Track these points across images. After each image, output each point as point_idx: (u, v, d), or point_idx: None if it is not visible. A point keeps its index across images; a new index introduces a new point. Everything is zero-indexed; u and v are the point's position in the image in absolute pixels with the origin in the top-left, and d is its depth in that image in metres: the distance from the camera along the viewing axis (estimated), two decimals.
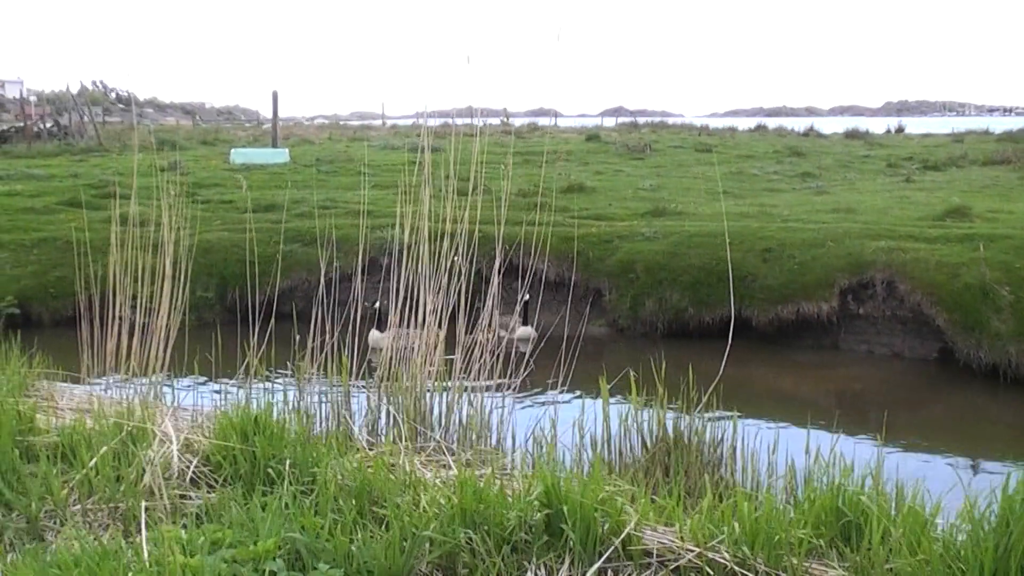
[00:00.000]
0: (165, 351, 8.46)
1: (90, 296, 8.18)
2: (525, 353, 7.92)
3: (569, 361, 7.35)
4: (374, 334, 9.90)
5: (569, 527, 4.30)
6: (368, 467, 5.00)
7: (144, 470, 5.20)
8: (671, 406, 6.67)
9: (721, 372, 6.57)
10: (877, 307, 13.12)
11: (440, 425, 7.29)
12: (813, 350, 13.38)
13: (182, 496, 5.13)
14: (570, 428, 6.77)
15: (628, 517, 4.41)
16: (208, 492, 5.13)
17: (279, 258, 10.05)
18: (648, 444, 6.53)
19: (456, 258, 8.38)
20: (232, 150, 27.77)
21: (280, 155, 26.46)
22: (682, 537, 4.33)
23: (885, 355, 13.09)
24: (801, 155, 31.71)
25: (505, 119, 29.71)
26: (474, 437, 7.04)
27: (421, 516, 4.40)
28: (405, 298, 8.11)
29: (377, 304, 9.49)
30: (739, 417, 6.77)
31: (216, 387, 8.97)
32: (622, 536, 4.32)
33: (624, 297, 14.21)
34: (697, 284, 13.72)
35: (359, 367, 7.70)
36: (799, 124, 51.85)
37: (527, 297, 9.62)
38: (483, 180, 8.29)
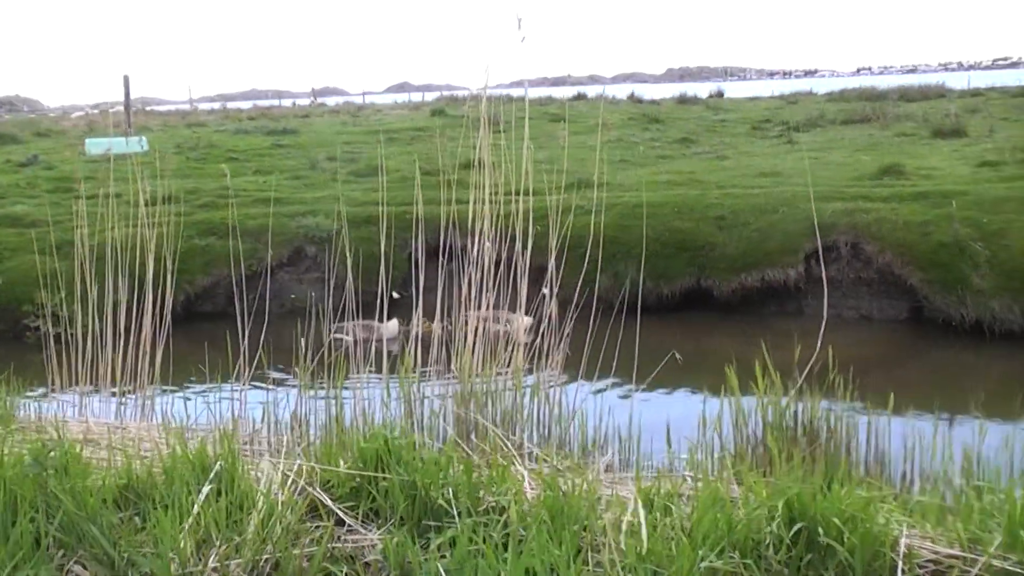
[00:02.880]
0: (152, 360, 7.57)
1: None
2: (526, 343, 7.31)
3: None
4: (391, 325, 8.97)
5: (843, 545, 3.73)
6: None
7: (260, 511, 4.24)
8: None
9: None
10: (842, 270, 12.83)
11: (528, 428, 6.58)
12: (778, 317, 13.00)
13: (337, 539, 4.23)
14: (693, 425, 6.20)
15: (891, 526, 3.88)
16: (366, 534, 4.24)
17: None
18: (797, 437, 5.93)
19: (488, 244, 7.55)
20: (87, 140, 26.00)
21: (137, 143, 24.88)
22: (960, 543, 3.83)
23: (853, 318, 12.82)
24: (660, 121, 31.64)
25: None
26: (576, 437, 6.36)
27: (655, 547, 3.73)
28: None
29: (395, 294, 8.59)
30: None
31: (193, 396, 8.09)
32: (901, 549, 3.75)
33: (574, 273, 13.57)
34: (652, 256, 13.12)
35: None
36: (586, 92, 52.08)
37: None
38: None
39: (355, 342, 7.23)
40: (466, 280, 7.36)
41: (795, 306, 13.11)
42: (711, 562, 3.64)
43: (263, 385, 8.20)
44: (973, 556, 3.72)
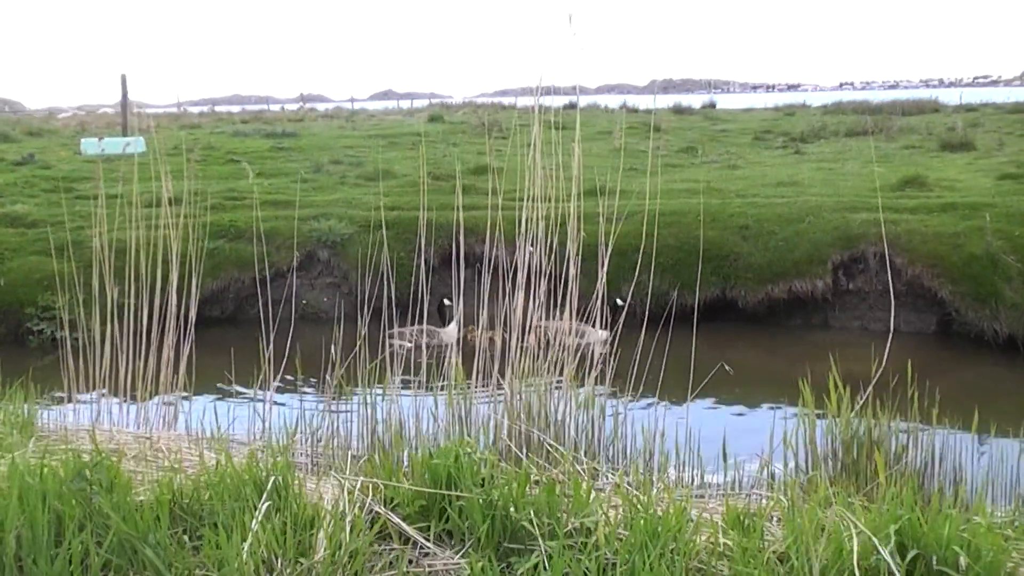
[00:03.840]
0: (176, 366, 7.25)
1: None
2: (600, 355, 7.00)
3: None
4: (451, 329, 8.63)
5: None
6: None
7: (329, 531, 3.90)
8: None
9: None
10: (869, 281, 12.57)
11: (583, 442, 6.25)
12: (804, 329, 12.74)
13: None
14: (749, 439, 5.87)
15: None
16: (446, 557, 3.90)
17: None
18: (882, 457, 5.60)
19: (531, 248, 7.22)
20: (83, 140, 25.59)
21: (136, 144, 24.45)
22: None
23: (880, 330, 12.52)
24: (660, 130, 31.36)
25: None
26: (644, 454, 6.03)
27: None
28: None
29: (447, 300, 8.27)
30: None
31: (213, 404, 7.75)
32: None
33: (594, 283, 13.28)
34: (677, 265, 12.81)
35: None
36: (565, 101, 51.75)
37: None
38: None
39: (415, 347, 6.89)
40: (515, 288, 7.01)
41: (821, 318, 12.88)
42: None
43: (284, 394, 7.86)
44: None
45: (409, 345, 6.99)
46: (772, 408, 9.98)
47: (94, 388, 7.34)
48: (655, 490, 4.59)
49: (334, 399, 6.76)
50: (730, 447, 6.07)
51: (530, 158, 6.93)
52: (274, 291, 13.16)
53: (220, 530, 3.75)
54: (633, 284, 7.45)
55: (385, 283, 7.30)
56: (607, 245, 7.07)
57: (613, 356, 6.95)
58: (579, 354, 6.81)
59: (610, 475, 5.31)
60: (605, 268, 7.04)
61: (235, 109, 61.21)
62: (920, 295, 12.22)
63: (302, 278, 13.51)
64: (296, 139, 27.69)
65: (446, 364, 6.89)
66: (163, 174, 7.42)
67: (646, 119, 37.11)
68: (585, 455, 5.90)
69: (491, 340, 7.12)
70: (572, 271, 7.25)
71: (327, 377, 6.86)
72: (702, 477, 5.97)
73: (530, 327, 6.90)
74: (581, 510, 4.07)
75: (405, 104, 66.36)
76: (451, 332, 7.66)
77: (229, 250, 13.41)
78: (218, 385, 9.12)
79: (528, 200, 7.17)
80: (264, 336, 7.19)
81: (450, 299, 8.96)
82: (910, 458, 5.85)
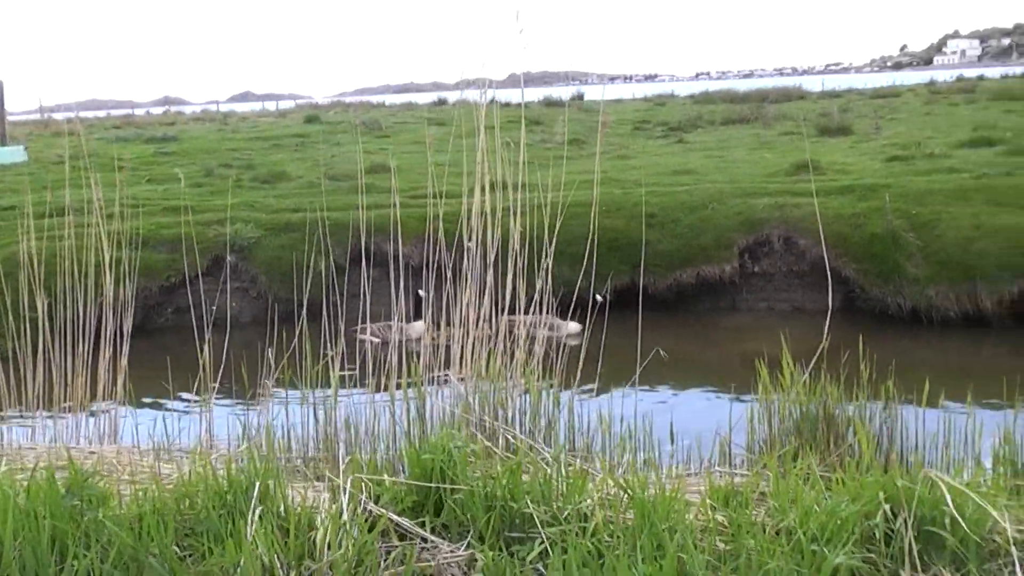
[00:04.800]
0: (114, 378, 7.09)
1: None
2: (572, 347, 7.10)
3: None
4: (417, 325, 8.56)
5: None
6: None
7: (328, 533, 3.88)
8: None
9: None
10: (774, 263, 12.90)
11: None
12: (713, 312, 13.01)
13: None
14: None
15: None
16: (455, 550, 3.93)
17: None
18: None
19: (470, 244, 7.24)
20: None
21: (16, 153, 23.75)
22: None
23: (787, 310, 12.88)
24: (540, 123, 31.56)
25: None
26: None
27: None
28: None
29: (422, 293, 8.19)
30: None
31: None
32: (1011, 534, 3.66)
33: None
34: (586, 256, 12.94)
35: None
36: (427, 98, 52.74)
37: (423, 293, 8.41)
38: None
39: (381, 343, 6.84)
40: (466, 284, 7.03)
41: (729, 301, 13.16)
42: (846, 557, 3.46)
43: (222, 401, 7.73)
44: None
45: (376, 341, 6.94)
46: (702, 392, 10.20)
47: (21, 404, 7.15)
48: (644, 474, 4.65)
49: (280, 403, 6.70)
50: (664, 431, 6.24)
51: (479, 153, 6.91)
52: (182, 298, 12.99)
53: (227, 539, 3.70)
54: (548, 275, 7.44)
55: (302, 285, 7.18)
56: (551, 239, 7.10)
57: (560, 349, 7.02)
58: (543, 347, 6.85)
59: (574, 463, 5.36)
60: (551, 258, 7.08)
61: (100, 114, 59.67)
62: (825, 274, 12.54)
63: (210, 284, 13.30)
64: (178, 143, 27.21)
65: (393, 360, 6.86)
66: (94, 183, 7.22)
67: (527, 112, 37.24)
68: (545, 444, 5.95)
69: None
70: (513, 265, 7.26)
71: (266, 381, 6.79)
72: (659, 460, 6.06)
73: (479, 322, 6.93)
74: (576, 496, 4.12)
75: (270, 105, 65.45)
76: (417, 327, 7.62)
77: (131, 259, 13.10)
78: (143, 398, 8.91)
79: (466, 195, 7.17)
80: (199, 344, 7.05)
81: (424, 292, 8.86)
82: (868, 430, 6.02)
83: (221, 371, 6.98)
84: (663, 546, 3.59)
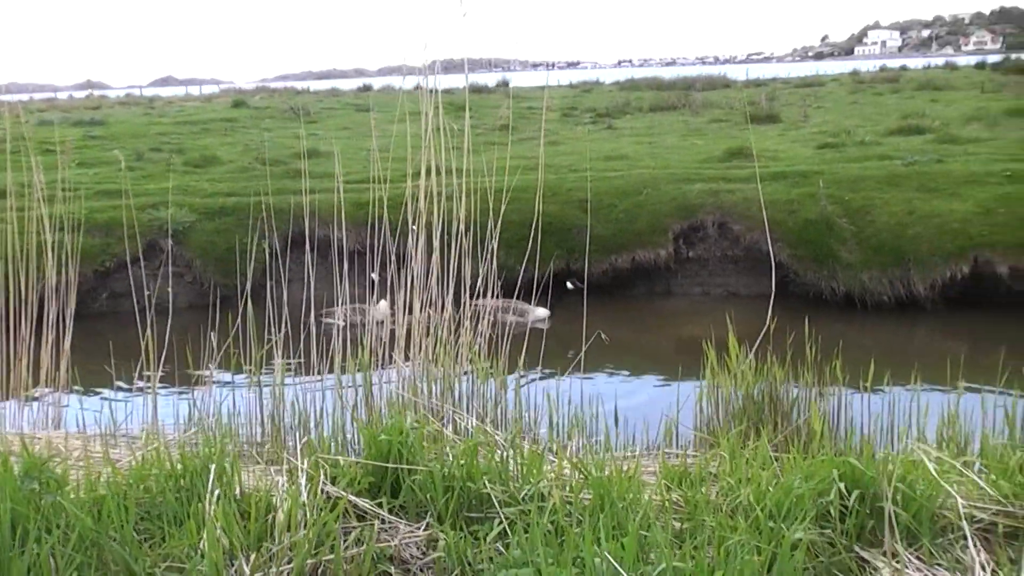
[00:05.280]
0: (57, 364, 6.99)
1: None
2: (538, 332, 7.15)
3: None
4: (382, 306, 8.49)
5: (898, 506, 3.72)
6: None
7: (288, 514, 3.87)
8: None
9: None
10: (709, 249, 13.03)
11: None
12: (648, 297, 13.11)
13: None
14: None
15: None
16: (407, 531, 3.94)
17: None
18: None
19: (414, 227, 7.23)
20: None
21: None
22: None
23: (721, 295, 13.02)
24: (468, 109, 31.46)
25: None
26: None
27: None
28: None
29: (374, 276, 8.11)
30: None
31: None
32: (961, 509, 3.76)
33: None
34: (522, 240, 12.97)
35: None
36: (350, 84, 52.59)
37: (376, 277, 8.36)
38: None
39: (346, 325, 6.79)
40: (410, 270, 7.02)
41: (664, 286, 13.26)
42: (804, 532, 3.52)
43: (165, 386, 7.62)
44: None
45: (342, 324, 6.90)
46: (643, 376, 10.27)
47: None
48: (598, 455, 4.70)
49: (223, 387, 6.65)
50: (609, 414, 6.30)
51: (424, 138, 6.90)
52: (117, 283, 12.81)
53: (188, 521, 3.69)
54: (493, 257, 7.46)
55: (242, 270, 7.12)
56: (496, 222, 7.12)
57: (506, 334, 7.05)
58: (511, 332, 6.89)
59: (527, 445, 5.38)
60: (496, 240, 7.10)
61: (24, 98, 58.46)
62: (759, 259, 12.70)
63: (145, 269, 13.13)
64: (106, 127, 26.73)
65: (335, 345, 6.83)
66: (35, 165, 7.10)
67: (449, 98, 37.13)
68: (493, 427, 5.96)
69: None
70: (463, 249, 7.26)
71: (209, 365, 6.73)
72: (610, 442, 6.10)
73: (424, 305, 6.93)
74: (533, 477, 4.14)
75: (193, 90, 64.59)
76: (382, 309, 7.56)
77: (75, 242, 12.92)
78: (83, 385, 8.77)
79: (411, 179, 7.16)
80: (142, 328, 6.94)
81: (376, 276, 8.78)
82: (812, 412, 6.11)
83: (164, 356, 6.88)
84: (621, 524, 3.63)
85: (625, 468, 4.15)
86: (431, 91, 7.10)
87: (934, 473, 3.89)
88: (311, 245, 7.34)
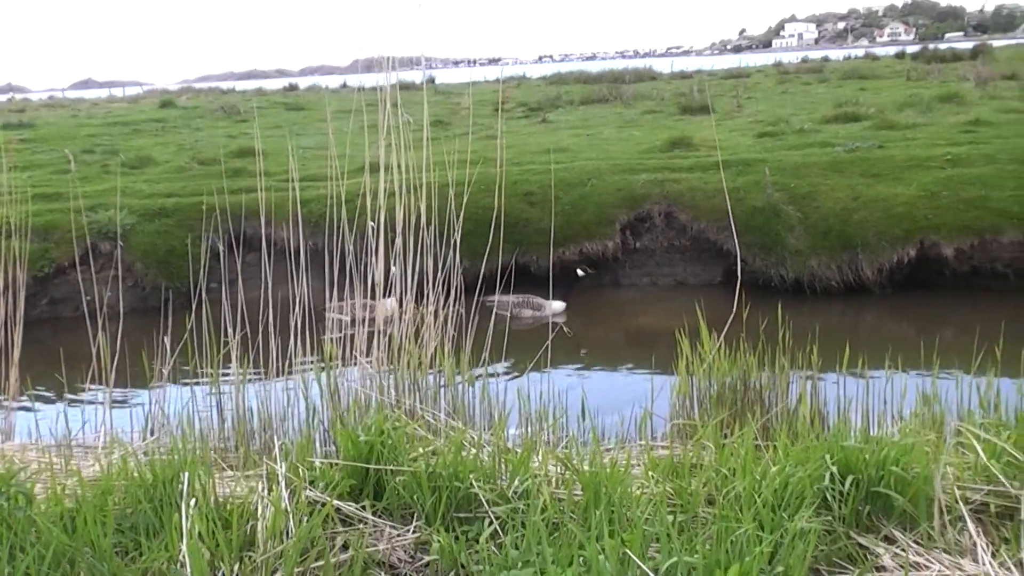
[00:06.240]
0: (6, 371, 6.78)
1: None
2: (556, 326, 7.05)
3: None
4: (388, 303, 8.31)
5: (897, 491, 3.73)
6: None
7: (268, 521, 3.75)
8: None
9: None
10: (655, 239, 13.01)
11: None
12: (596, 288, 13.07)
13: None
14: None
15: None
16: (395, 534, 3.82)
17: None
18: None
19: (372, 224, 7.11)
20: None
21: None
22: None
23: (669, 284, 13.02)
24: (397, 105, 31.27)
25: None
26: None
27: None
28: None
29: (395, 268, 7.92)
30: None
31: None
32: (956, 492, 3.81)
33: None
34: (468, 235, 12.85)
35: None
36: (273, 84, 52.34)
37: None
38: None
39: (352, 321, 6.63)
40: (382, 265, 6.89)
41: (611, 277, 13.24)
42: (808, 522, 3.47)
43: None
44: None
45: (347, 319, 6.73)
46: (601, 369, 10.20)
47: None
48: (587, 450, 4.60)
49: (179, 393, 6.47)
50: (576, 408, 6.22)
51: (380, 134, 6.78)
52: (55, 289, 12.51)
53: (168, 532, 3.54)
54: (456, 251, 7.35)
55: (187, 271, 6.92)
56: (458, 215, 7.02)
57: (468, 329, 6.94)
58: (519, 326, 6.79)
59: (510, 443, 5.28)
60: (459, 235, 6.98)
61: None
62: (706, 248, 12.75)
63: (84, 273, 12.82)
64: (34, 129, 26.21)
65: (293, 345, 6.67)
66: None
67: (373, 96, 36.75)
68: (463, 424, 5.86)
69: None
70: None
71: (163, 370, 6.53)
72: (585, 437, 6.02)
73: (390, 304, 6.81)
74: (522, 474, 4.05)
75: (116, 92, 63.68)
76: (389, 304, 7.40)
77: (4, 247, 12.58)
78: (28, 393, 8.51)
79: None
80: (92, 332, 6.73)
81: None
82: (786, 399, 6.10)
83: (115, 361, 6.67)
84: (617, 519, 3.55)
85: (608, 462, 4.05)
86: (378, 88, 6.91)
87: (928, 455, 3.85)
88: (267, 243, 7.17)
